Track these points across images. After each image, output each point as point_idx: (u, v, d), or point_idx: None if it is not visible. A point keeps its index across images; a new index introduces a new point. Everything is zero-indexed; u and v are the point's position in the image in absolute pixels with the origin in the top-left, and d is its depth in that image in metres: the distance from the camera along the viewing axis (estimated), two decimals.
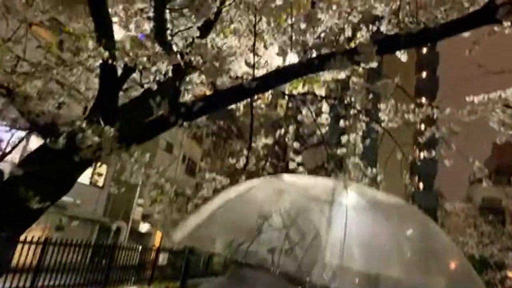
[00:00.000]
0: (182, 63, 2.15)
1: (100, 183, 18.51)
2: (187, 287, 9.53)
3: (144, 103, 2.61)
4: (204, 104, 2.15)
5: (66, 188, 2.66)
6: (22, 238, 7.46)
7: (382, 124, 3.50)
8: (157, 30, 2.21)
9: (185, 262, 11.62)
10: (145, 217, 20.04)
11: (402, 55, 3.52)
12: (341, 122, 4.22)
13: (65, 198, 11.64)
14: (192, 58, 2.14)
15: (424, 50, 38.32)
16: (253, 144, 4.46)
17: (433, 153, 3.69)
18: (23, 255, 7.44)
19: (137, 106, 2.84)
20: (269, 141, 4.34)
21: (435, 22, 2.03)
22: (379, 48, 1.89)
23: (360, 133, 4.15)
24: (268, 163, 4.79)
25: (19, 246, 7.38)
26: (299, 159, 4.72)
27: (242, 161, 4.58)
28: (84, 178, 17.49)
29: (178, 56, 2.15)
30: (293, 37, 2.23)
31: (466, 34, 3.24)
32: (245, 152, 4.45)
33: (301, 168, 5.48)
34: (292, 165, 4.61)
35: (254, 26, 2.41)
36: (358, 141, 4.16)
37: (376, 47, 1.86)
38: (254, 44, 2.45)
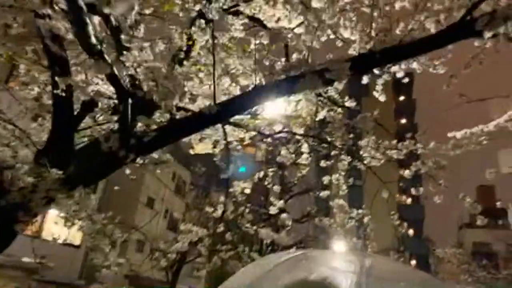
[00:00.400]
0: (126, 85, 1.91)
1: (77, 242, 17.46)
2: None
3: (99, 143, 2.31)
4: (158, 134, 1.88)
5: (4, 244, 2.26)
6: None
7: (365, 162, 3.28)
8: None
9: None
10: (127, 277, 18.78)
11: (380, 96, 3.41)
12: (322, 162, 4.00)
13: (36, 261, 10.71)
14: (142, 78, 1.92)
15: (401, 98, 39.75)
16: (231, 190, 4.16)
17: (420, 190, 3.46)
18: None
19: (94, 146, 2.54)
20: (247, 185, 4.04)
21: (411, 38, 1.89)
22: (353, 65, 1.72)
23: (343, 173, 3.92)
24: (247, 210, 4.46)
25: None
26: (280, 204, 4.41)
27: (220, 209, 4.25)
28: (59, 237, 16.49)
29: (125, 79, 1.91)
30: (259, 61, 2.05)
31: (441, 71, 3.14)
32: (222, 199, 4.13)
33: (285, 215, 5.16)
34: (273, 210, 4.28)
35: (213, 44, 2.24)
36: (341, 181, 3.93)
37: (348, 64, 1.69)
38: (214, 65, 2.24)
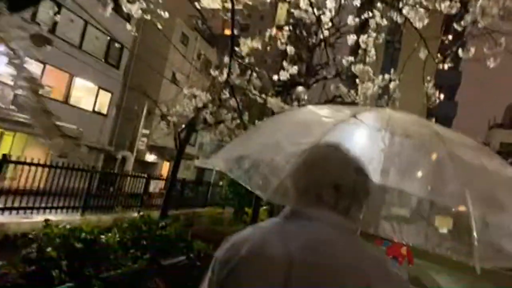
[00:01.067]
0: None
1: (104, 111, 18.08)
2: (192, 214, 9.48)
3: None
4: None
5: None
6: (29, 159, 7.37)
7: (403, 11, 2.56)
8: None
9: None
10: (151, 148, 19.87)
11: None
12: (350, 19, 3.28)
13: (67, 125, 11.07)
14: None
15: None
16: (237, 49, 3.60)
17: (465, 53, 2.78)
18: (29, 176, 7.15)
19: None
20: (256, 43, 3.46)
21: None
22: None
23: (374, 34, 3.23)
24: (255, 74, 3.98)
25: (26, 167, 7.13)
26: (294, 70, 3.86)
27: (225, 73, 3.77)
28: (87, 104, 17.05)
29: None
30: None
31: None
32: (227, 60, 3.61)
33: (301, 88, 4.64)
34: (284, 76, 3.76)
35: None
36: (370, 44, 3.27)
37: None
38: None
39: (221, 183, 14.33)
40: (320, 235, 0.92)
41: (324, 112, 1.34)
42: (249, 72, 3.88)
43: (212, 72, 4.25)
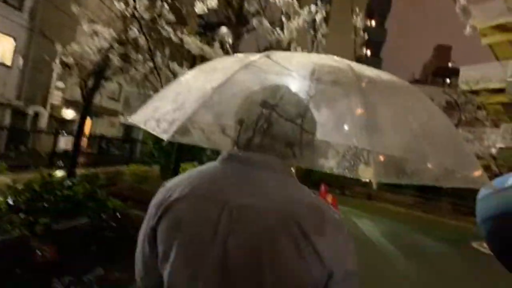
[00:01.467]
0: None
1: (7, 61, 15.79)
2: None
3: None
4: None
5: None
6: None
7: None
8: None
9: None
10: (69, 103, 18.06)
11: None
12: None
13: None
14: None
15: None
16: None
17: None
18: None
19: None
20: None
21: None
22: None
23: None
24: (167, 6, 3.40)
25: None
26: (214, 2, 3.35)
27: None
28: None
29: None
30: None
31: None
32: None
33: (225, 30, 4.17)
34: (200, 9, 3.24)
35: None
36: None
37: None
38: None
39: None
40: (252, 176, 0.89)
41: (249, 57, 1.16)
42: (159, 3, 3.30)
43: (116, 3, 3.56)
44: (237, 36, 13.07)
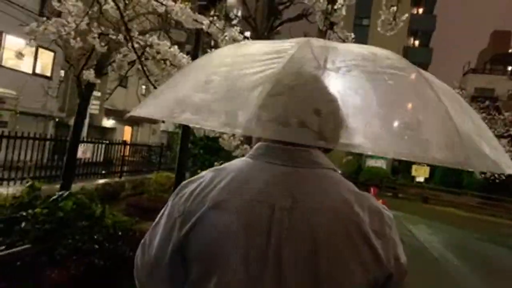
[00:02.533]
0: None
1: (47, 73, 16.12)
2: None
3: None
4: None
5: None
6: None
7: None
8: None
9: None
10: (108, 112, 18.18)
11: None
12: None
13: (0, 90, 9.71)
14: None
15: None
16: None
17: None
18: None
19: None
20: None
21: None
22: None
23: None
24: None
25: None
26: None
27: None
28: (24, 66, 15.06)
29: None
30: None
31: None
32: None
33: None
34: None
35: None
36: None
37: None
38: None
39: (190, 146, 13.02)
40: (297, 173, 0.78)
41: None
42: None
43: None
44: (270, 29, 12.09)
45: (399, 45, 28.09)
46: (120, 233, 4.01)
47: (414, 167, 20.72)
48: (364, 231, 0.74)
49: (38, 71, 15.66)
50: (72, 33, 3.22)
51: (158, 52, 2.78)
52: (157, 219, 0.85)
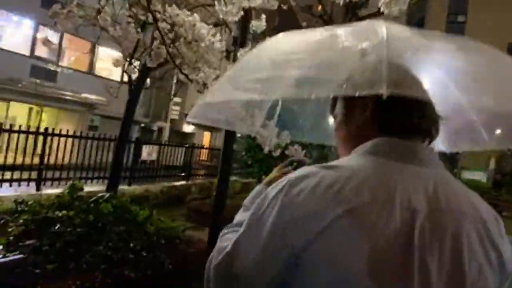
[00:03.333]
0: None
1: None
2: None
3: None
4: None
5: None
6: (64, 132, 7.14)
7: None
8: None
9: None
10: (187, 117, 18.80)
11: None
12: None
13: (93, 97, 10.82)
14: None
15: None
16: None
17: None
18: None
19: None
20: None
21: None
22: None
23: None
24: None
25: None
26: None
27: None
28: (115, 74, 16.22)
29: None
30: None
31: None
32: None
33: None
34: None
35: None
36: None
37: None
38: None
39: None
40: (422, 173, 0.73)
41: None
42: None
43: None
44: None
45: (502, 42, 24.66)
46: (163, 241, 3.64)
47: None
48: (491, 232, 0.73)
49: (126, 79, 16.77)
50: (108, 19, 2.94)
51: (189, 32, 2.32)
52: (248, 223, 0.72)
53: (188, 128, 19.34)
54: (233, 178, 10.04)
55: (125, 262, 3.05)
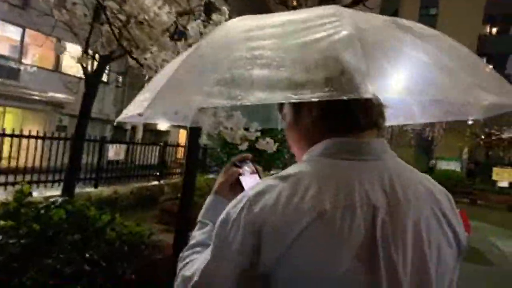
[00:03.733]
0: None
1: (104, 78, 16.50)
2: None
3: None
4: None
5: None
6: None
7: None
8: None
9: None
10: None
11: None
12: None
13: (60, 95, 10.24)
14: None
15: None
16: None
17: None
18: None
19: None
20: None
21: None
22: None
23: None
24: None
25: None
26: None
27: None
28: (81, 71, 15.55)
29: None
30: None
31: None
32: None
33: None
34: None
35: None
36: None
37: None
38: None
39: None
40: (378, 167, 0.75)
41: None
42: None
43: None
44: None
45: (473, 34, 25.17)
46: (126, 248, 3.31)
47: (495, 170, 18.14)
48: (446, 212, 0.76)
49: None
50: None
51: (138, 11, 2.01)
52: (213, 249, 0.70)
53: (162, 126, 18.83)
54: (210, 176, 9.72)
55: (79, 275, 2.71)
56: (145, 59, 2.04)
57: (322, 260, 0.63)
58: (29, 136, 6.85)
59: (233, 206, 0.70)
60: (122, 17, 2.30)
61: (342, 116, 0.76)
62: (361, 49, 0.68)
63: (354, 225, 0.65)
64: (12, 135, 6.62)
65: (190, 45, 2.01)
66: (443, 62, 0.78)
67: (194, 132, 3.78)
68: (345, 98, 0.64)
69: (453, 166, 21.13)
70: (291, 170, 0.74)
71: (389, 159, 0.77)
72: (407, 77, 0.76)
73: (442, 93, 0.76)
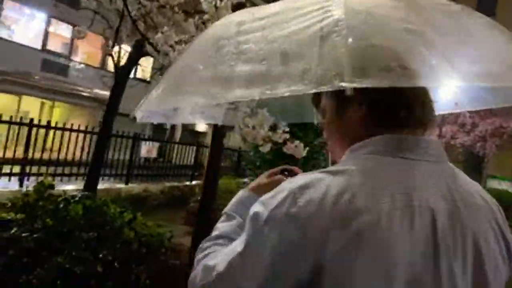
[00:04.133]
0: None
1: (147, 77, 16.91)
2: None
3: None
4: None
5: None
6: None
7: None
8: None
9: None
10: None
11: None
12: None
13: (104, 92, 10.62)
14: None
15: None
16: None
17: None
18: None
19: None
20: None
21: None
22: None
23: None
24: None
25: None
26: None
27: None
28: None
29: None
30: None
31: None
32: None
33: None
34: None
35: None
36: None
37: None
38: None
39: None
40: (433, 170, 0.69)
41: None
42: None
43: None
44: None
45: None
46: (144, 250, 3.14)
47: None
48: (501, 224, 0.73)
49: (138, 75, 16.49)
50: None
51: None
52: (245, 242, 0.64)
53: (201, 127, 19.00)
54: (244, 180, 9.54)
55: (89, 276, 2.55)
56: (168, 45, 1.84)
57: (381, 262, 0.59)
58: (55, 128, 6.98)
59: (271, 198, 0.65)
60: (146, 2, 2.12)
61: (395, 110, 0.70)
62: (346, 36, 0.61)
63: (415, 227, 0.62)
64: (37, 125, 6.76)
65: (204, 22, 1.79)
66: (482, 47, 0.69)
67: (216, 132, 3.63)
68: (317, 91, 0.59)
69: (505, 186, 19.65)
70: (339, 166, 0.69)
71: (444, 161, 0.72)
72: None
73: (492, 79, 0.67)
